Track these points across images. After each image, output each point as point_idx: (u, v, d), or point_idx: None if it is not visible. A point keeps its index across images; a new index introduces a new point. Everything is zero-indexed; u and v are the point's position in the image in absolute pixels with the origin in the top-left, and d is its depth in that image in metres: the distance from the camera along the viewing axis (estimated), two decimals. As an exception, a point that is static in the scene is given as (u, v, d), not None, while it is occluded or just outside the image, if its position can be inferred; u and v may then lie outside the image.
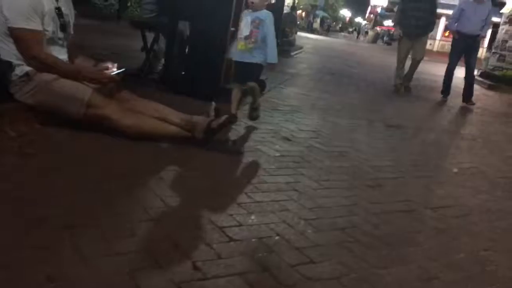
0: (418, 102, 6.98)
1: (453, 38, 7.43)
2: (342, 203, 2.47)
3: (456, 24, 7.25)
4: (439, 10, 8.40)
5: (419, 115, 5.99)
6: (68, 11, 2.93)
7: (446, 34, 30.18)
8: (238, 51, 3.61)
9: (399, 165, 3.43)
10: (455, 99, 8.23)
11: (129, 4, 5.21)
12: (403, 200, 2.71)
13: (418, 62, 7.68)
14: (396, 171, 3.27)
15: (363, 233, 2.15)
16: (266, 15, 3.55)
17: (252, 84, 3.57)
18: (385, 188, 2.87)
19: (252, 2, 3.54)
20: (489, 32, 8.67)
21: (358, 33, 51.62)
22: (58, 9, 2.81)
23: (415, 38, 7.56)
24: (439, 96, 7.89)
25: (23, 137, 2.55)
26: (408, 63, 7.91)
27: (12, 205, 1.85)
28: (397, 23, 8.05)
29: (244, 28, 3.57)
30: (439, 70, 14.64)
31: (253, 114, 3.69)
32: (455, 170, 3.60)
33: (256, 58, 3.56)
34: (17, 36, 2.64)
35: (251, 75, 3.62)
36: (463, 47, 7.17)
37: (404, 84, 7.68)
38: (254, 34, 3.53)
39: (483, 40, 8.28)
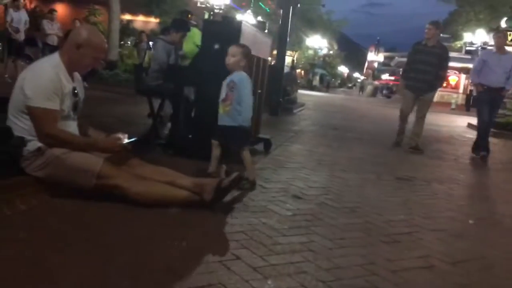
0: (424, 152, 6.95)
1: (478, 91, 6.88)
2: (359, 262, 2.41)
3: (478, 77, 6.78)
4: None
5: (426, 166, 5.96)
6: (80, 90, 3.02)
7: (444, 84, 30.75)
8: (219, 114, 3.67)
9: (413, 219, 3.37)
10: (461, 148, 8.23)
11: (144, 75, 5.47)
12: (421, 256, 2.63)
13: (422, 118, 7.01)
14: (410, 225, 3.21)
15: (385, 293, 2.08)
16: (240, 78, 3.58)
17: (243, 153, 3.60)
18: (401, 244, 2.80)
19: (228, 64, 3.60)
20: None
21: (361, 89, 52.35)
22: (73, 89, 2.90)
23: (421, 94, 6.88)
24: (444, 146, 7.89)
25: (34, 210, 2.54)
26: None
27: (22, 282, 1.81)
28: (402, 77, 7.48)
29: (222, 91, 3.64)
30: (440, 119, 14.81)
31: (243, 185, 3.46)
32: (471, 221, 3.53)
33: (233, 121, 3.57)
34: (35, 114, 2.71)
35: (231, 138, 3.64)
36: (489, 99, 6.64)
37: (412, 144, 6.91)
38: (230, 97, 3.58)
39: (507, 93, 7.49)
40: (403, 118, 7.22)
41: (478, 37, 27.11)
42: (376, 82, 52.18)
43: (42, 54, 11.27)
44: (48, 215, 2.55)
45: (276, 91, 10.16)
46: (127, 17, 22.62)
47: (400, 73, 7.77)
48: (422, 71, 6.77)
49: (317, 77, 46.31)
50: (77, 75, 3.02)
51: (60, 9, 17.54)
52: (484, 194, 4.78)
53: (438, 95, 32.50)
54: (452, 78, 31.16)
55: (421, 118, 6.99)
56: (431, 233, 3.09)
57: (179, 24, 5.84)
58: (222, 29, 4.42)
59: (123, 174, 2.79)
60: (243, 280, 2.04)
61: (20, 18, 10.18)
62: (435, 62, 6.77)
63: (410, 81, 6.98)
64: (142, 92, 5.65)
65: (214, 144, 3.67)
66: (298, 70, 34.90)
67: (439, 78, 6.97)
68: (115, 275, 1.95)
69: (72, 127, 2.91)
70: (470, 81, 28.59)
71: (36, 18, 14.41)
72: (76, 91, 2.94)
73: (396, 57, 43.20)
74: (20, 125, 2.72)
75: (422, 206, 3.83)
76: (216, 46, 4.36)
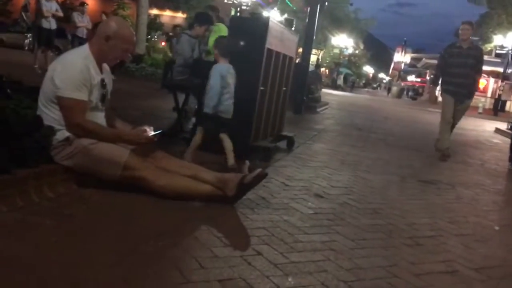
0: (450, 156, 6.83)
1: None
2: (381, 264, 2.39)
3: None
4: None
5: (451, 170, 5.86)
6: (108, 81, 3.07)
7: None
8: None
9: (437, 223, 3.32)
10: (488, 153, 8.08)
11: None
12: (444, 260, 2.60)
13: (453, 126, 6.60)
14: (434, 229, 3.16)
15: (406, 296, 2.05)
16: (212, 68, 3.95)
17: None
18: (424, 247, 2.77)
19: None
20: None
21: (389, 90, 51.30)
22: (102, 80, 2.95)
23: (461, 100, 6.42)
24: (470, 151, 7.71)
25: (61, 198, 2.60)
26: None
27: (49, 268, 1.85)
28: (432, 82, 6.80)
29: None
30: (467, 123, 14.49)
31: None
32: (496, 227, 3.46)
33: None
34: (65, 104, 2.76)
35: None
36: None
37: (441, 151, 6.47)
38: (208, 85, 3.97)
39: None
40: (446, 124, 6.52)
41: (509, 40, 26.47)
42: (402, 83, 51.49)
43: (71, 46, 11.47)
44: (74, 203, 2.60)
45: (300, 89, 10.13)
46: (154, 11, 22.87)
47: (431, 78, 7.06)
48: (460, 75, 6.32)
49: (341, 77, 45.94)
50: (106, 66, 3.07)
51: (90, 2, 17.80)
52: (511, 200, 4.66)
53: (465, 98, 31.95)
54: (481, 82, 30.48)
55: (453, 125, 6.59)
56: (455, 237, 3.04)
57: (202, 17, 5.86)
58: (250, 26, 4.43)
59: (148, 167, 2.83)
60: (263, 275, 2.05)
61: (51, 7, 10.42)
62: (473, 64, 6.37)
63: (448, 86, 6.47)
64: (167, 87, 5.70)
65: (223, 137, 3.91)
66: (322, 69, 34.69)
67: (476, 82, 6.58)
68: (139, 265, 1.98)
69: (99, 118, 2.96)
70: (499, 85, 27.95)
71: (67, 10, 14.67)
72: (104, 83, 2.98)
73: (424, 58, 42.46)
74: (50, 115, 2.78)
75: (446, 210, 3.77)
76: (241, 43, 4.37)
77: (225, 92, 3.88)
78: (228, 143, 3.89)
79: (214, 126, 3.92)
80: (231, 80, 3.93)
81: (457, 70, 6.34)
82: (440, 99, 6.59)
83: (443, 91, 6.56)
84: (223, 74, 3.87)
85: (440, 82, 6.68)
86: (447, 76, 6.48)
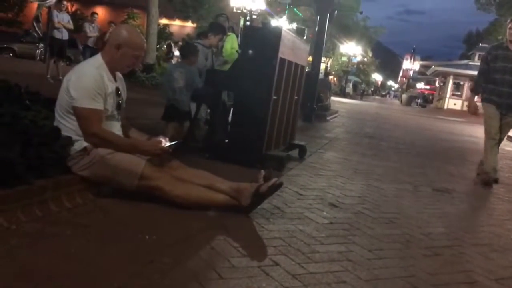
0: (462, 164, 6.80)
1: None
2: (399, 274, 2.37)
3: None
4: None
5: (465, 179, 5.81)
6: (122, 89, 3.09)
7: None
8: None
9: (453, 232, 3.29)
10: (500, 161, 7.99)
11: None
12: (463, 270, 2.57)
13: (501, 141, 5.51)
14: (451, 239, 3.13)
15: (426, 308, 2.03)
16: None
17: None
18: (442, 257, 2.74)
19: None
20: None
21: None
22: (116, 89, 2.98)
23: (506, 112, 5.34)
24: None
25: (79, 208, 2.62)
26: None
27: (68, 278, 1.86)
28: (474, 89, 5.81)
29: None
30: (478, 131, 14.37)
31: None
32: (514, 237, 3.42)
33: None
34: (81, 114, 2.79)
35: None
36: None
37: (492, 177, 5.36)
38: None
39: None
40: (492, 140, 5.36)
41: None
42: (417, 91, 51.42)
43: (83, 56, 11.62)
44: (92, 213, 2.61)
45: (310, 97, 10.13)
46: (163, 21, 23.07)
47: (471, 84, 5.92)
48: (506, 82, 5.30)
49: (350, 84, 45.89)
50: (119, 75, 3.10)
51: (100, 12, 18.02)
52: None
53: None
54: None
55: (499, 140, 5.47)
56: (473, 247, 3.01)
57: (216, 27, 5.91)
58: (263, 35, 4.45)
59: (164, 176, 2.84)
60: (282, 286, 2.04)
61: (63, 19, 10.62)
62: None
63: (491, 95, 5.41)
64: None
65: (169, 124, 4.85)
66: (330, 77, 34.71)
67: None
68: (158, 276, 1.98)
69: (116, 127, 2.98)
70: None
71: (77, 20, 14.87)
72: (119, 91, 3.01)
73: (433, 66, 42.23)
74: (67, 125, 2.81)
75: (462, 219, 3.74)
76: (250, 52, 4.40)
77: (173, 86, 4.79)
78: (170, 129, 4.70)
79: (169, 114, 4.81)
80: (178, 76, 4.79)
81: (503, 77, 5.33)
82: (481, 110, 5.57)
83: (484, 100, 5.49)
84: (170, 70, 5.05)
85: (481, 90, 5.58)
86: (491, 83, 5.42)
